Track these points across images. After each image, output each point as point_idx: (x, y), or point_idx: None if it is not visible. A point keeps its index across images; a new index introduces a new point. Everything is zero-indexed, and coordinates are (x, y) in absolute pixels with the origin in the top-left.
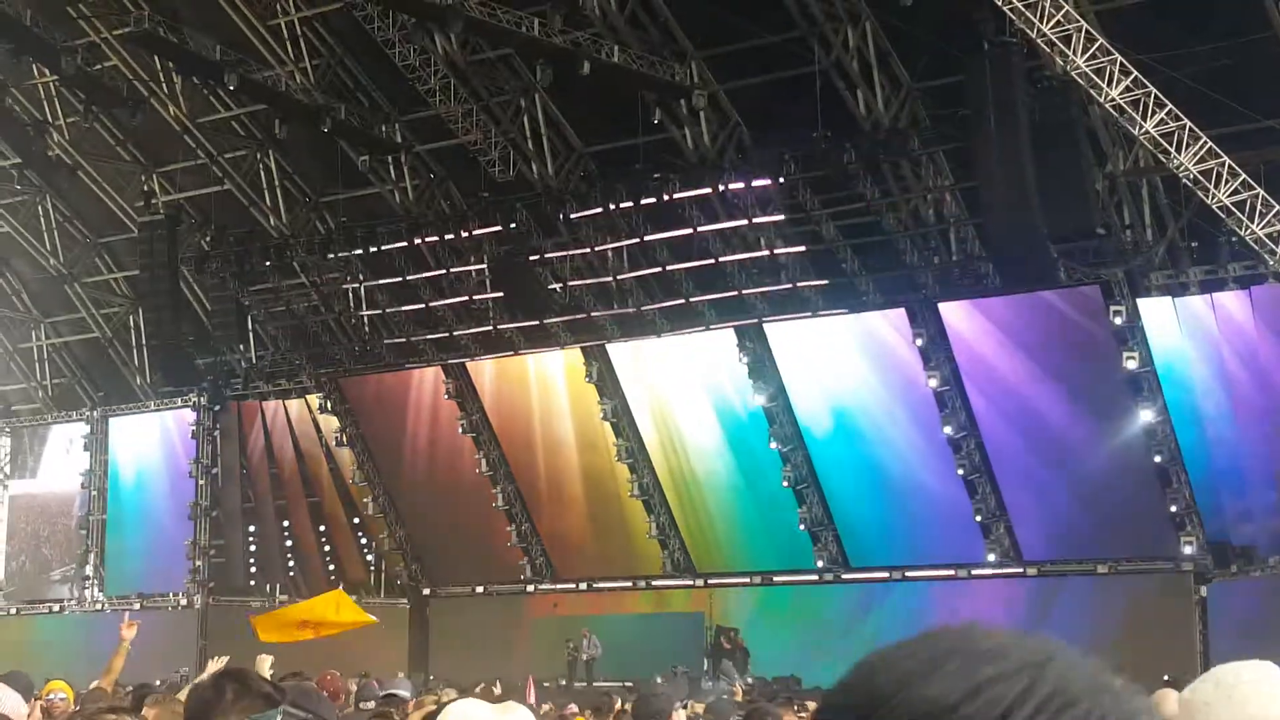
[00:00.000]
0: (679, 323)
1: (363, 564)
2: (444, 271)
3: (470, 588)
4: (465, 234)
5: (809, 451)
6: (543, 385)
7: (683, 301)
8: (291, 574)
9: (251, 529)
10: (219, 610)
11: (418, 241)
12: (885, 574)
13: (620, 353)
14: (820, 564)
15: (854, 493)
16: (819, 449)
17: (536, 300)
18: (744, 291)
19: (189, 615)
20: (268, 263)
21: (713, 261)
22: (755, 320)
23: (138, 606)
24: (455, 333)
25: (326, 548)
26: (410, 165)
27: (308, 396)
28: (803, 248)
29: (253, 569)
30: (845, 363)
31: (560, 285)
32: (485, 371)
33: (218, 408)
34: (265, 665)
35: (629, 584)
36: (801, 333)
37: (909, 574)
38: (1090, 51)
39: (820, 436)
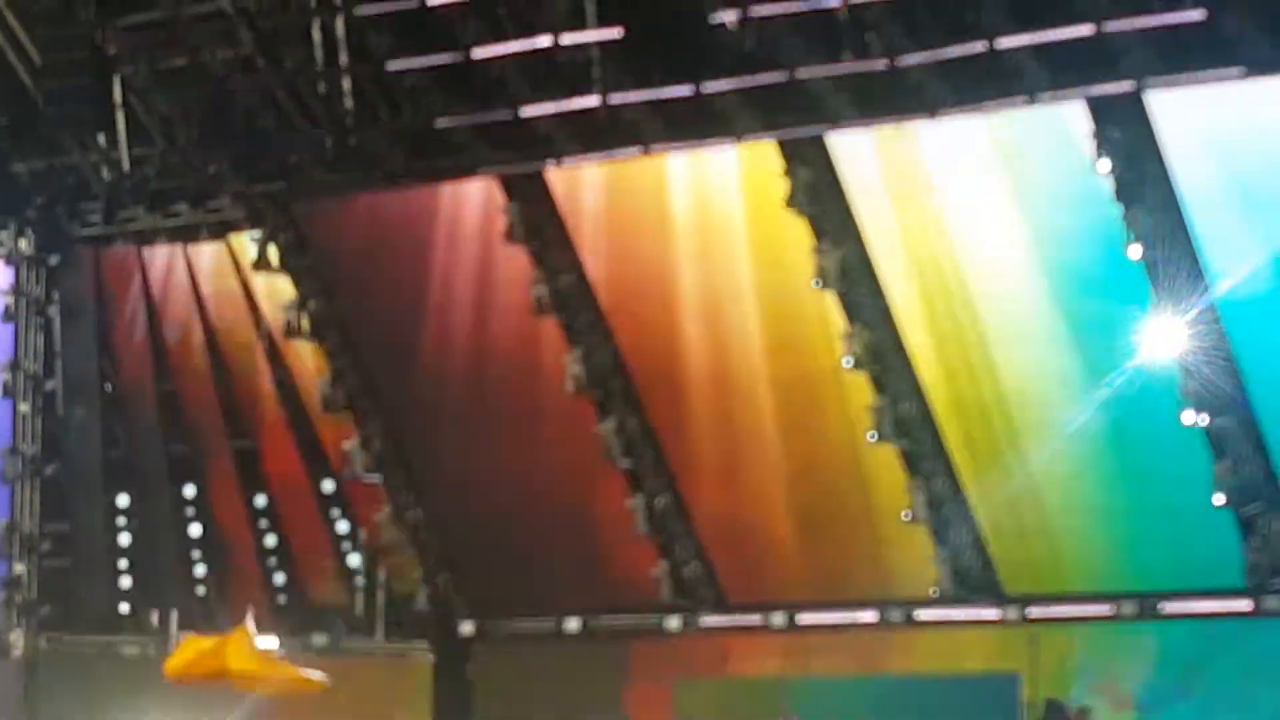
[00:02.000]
0: (973, 87)
1: (340, 573)
2: None
3: (553, 621)
4: None
5: (1231, 337)
6: (700, 216)
7: (983, 49)
8: (202, 592)
9: (123, 500)
10: (61, 659)
11: None
12: None
13: (855, 149)
14: (1254, 579)
15: None
16: (1255, 335)
17: (688, 43)
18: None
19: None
20: None
21: None
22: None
23: None
24: (525, 112)
25: (269, 539)
26: None
27: (231, 237)
28: None
29: (124, 581)
30: None
31: (736, 15)
32: (585, 188)
33: (57, 258)
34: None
35: (872, 617)
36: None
37: None
38: None
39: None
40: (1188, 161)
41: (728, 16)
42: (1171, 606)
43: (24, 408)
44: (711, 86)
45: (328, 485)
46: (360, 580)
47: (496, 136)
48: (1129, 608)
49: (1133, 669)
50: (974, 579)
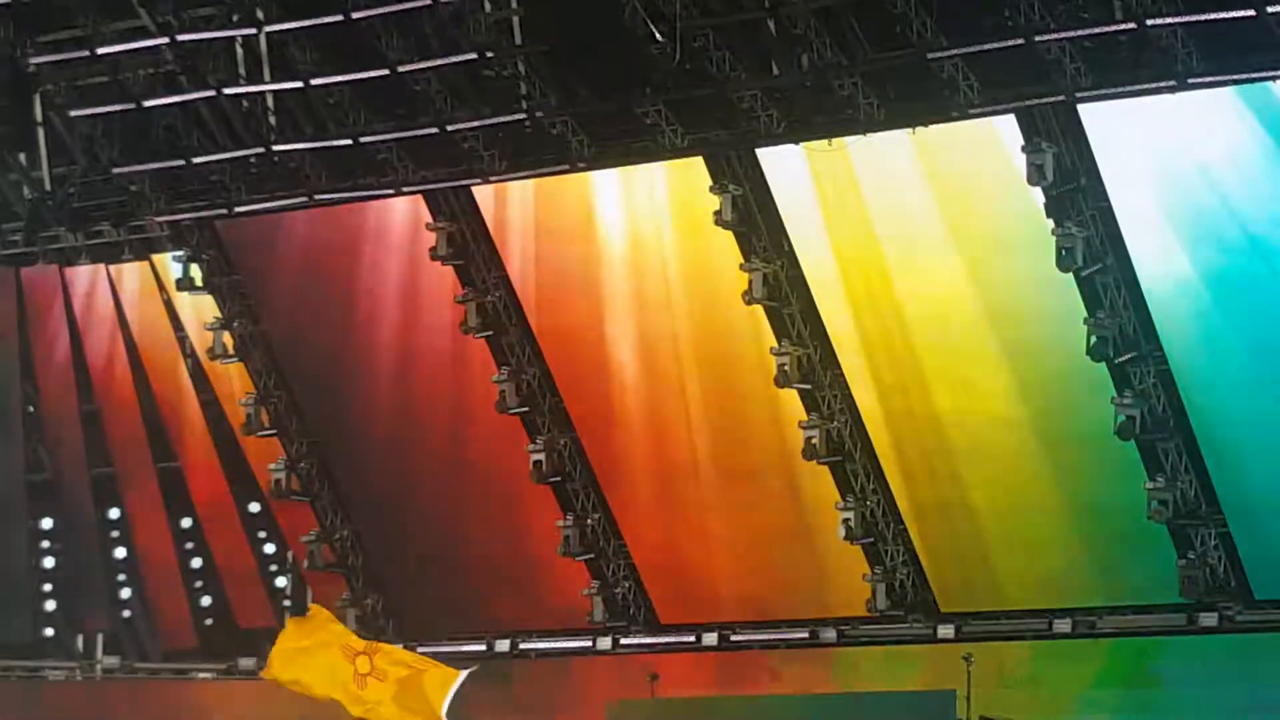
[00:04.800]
0: (905, 101)
1: (268, 596)
2: (429, 1)
3: (484, 642)
4: None
5: (1168, 354)
6: (631, 232)
7: (914, 62)
8: (127, 614)
9: (46, 523)
10: None
11: None
12: None
13: (785, 164)
14: (1192, 594)
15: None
16: (1189, 346)
17: (616, 59)
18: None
19: None
20: None
21: None
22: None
23: None
24: (452, 126)
25: (195, 561)
26: None
27: (155, 256)
28: None
29: (49, 606)
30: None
31: (664, 31)
32: (513, 206)
33: None
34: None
35: (802, 635)
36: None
37: None
38: None
39: (1186, 314)
40: (1121, 174)
41: (656, 32)
42: (1107, 623)
43: None
44: (639, 102)
45: (254, 506)
46: (286, 601)
47: (422, 153)
48: (1064, 625)
49: (1068, 686)
50: (908, 597)
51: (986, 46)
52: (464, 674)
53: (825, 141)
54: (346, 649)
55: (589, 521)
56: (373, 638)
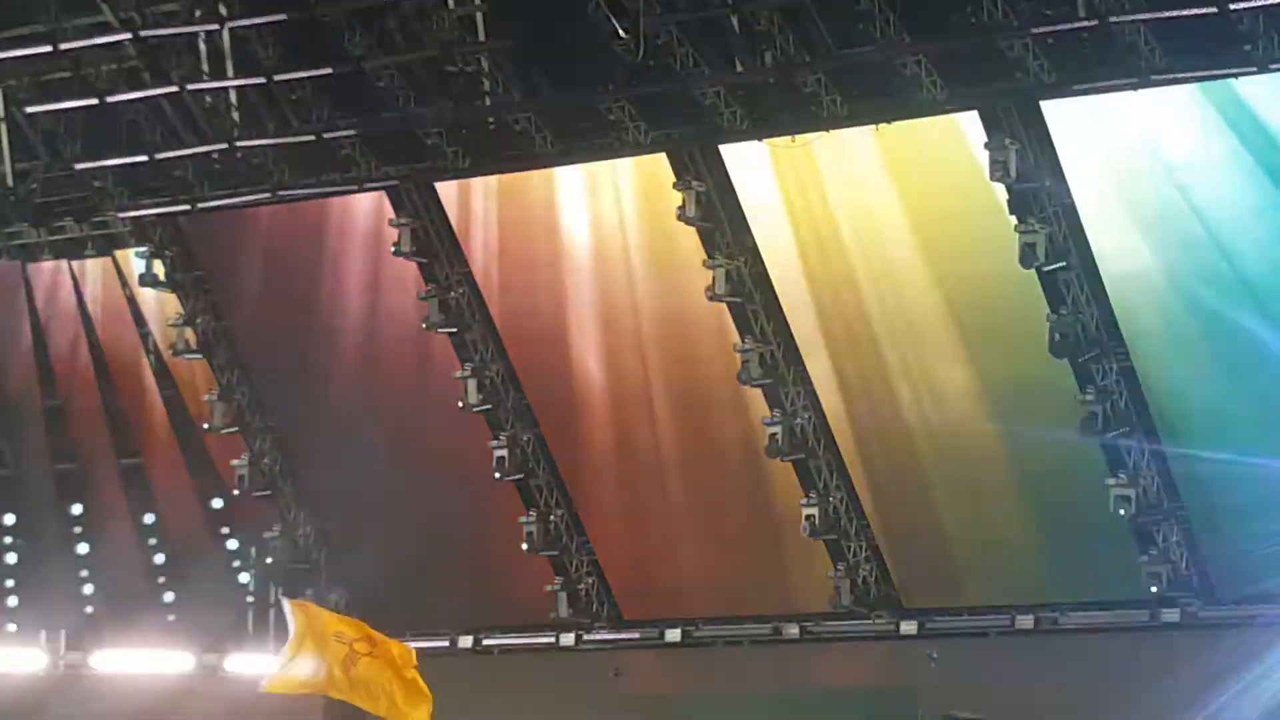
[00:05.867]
0: (868, 98)
1: (232, 592)
2: None
3: (448, 638)
4: None
5: (1131, 350)
6: (595, 229)
7: (878, 60)
8: (89, 610)
9: (8, 519)
10: None
11: None
12: None
13: (749, 161)
14: (1157, 588)
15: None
16: (1151, 343)
17: (580, 54)
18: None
19: None
20: None
21: None
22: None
23: None
24: (415, 122)
25: (158, 557)
26: None
27: (118, 252)
28: None
29: (10, 601)
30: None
31: (628, 27)
32: (477, 202)
33: None
34: None
35: (766, 630)
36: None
37: None
38: None
39: (1149, 311)
40: (1083, 171)
41: (619, 28)
42: (1070, 619)
43: None
44: (603, 98)
45: (217, 502)
46: (249, 597)
47: (386, 149)
48: (1027, 621)
49: (1032, 682)
50: (872, 593)
51: (950, 43)
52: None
53: (789, 138)
54: (340, 636)
55: (552, 518)
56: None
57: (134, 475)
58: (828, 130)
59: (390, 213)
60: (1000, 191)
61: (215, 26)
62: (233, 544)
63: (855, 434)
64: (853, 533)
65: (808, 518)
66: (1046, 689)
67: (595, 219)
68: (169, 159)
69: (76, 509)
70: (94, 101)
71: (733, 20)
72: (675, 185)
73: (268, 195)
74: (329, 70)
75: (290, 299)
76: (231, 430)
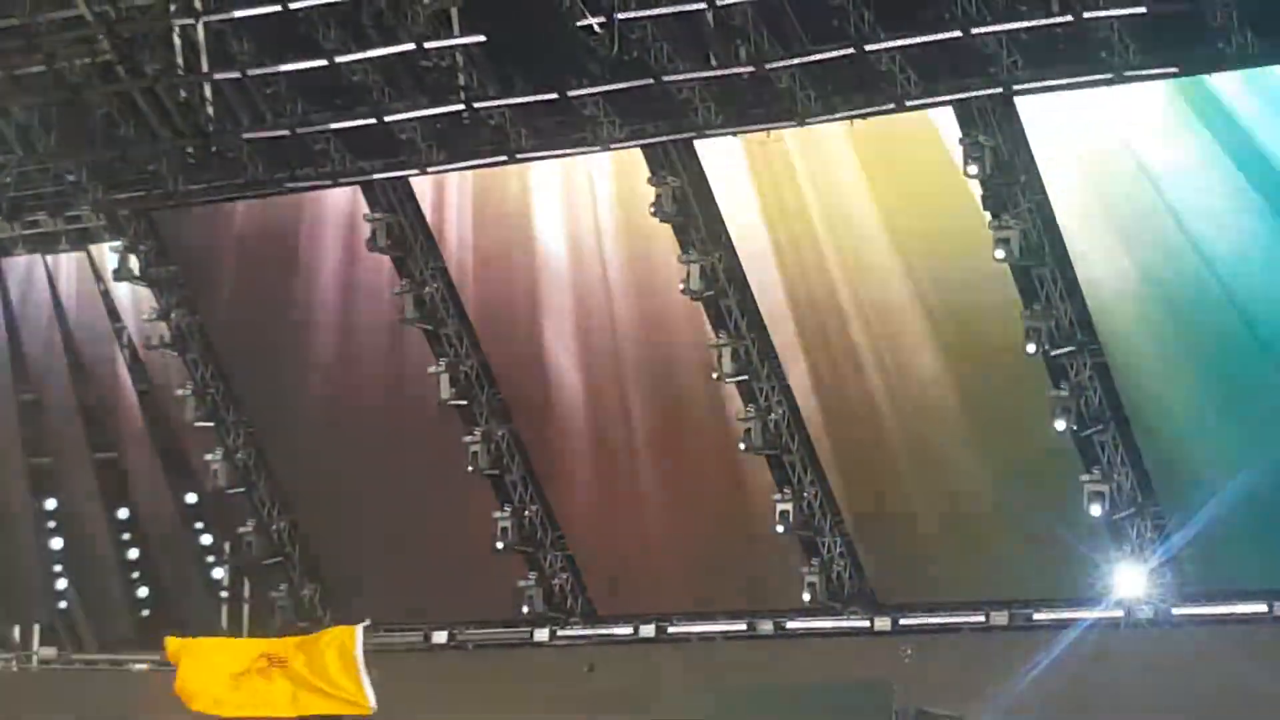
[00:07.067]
0: (843, 93)
1: (205, 587)
2: None
3: (421, 633)
4: None
5: (1105, 347)
6: (570, 224)
7: (851, 54)
8: (64, 605)
9: None
10: None
11: None
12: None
13: (722, 155)
14: (1128, 585)
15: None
16: (1125, 339)
17: (555, 49)
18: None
19: None
20: None
21: None
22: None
23: None
24: (390, 117)
25: (132, 552)
26: None
27: (92, 247)
28: None
29: None
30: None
31: (602, 21)
32: (451, 197)
33: None
34: None
35: (740, 627)
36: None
37: None
38: None
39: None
40: (1058, 167)
41: (596, 22)
42: (1043, 615)
43: None
44: (578, 93)
45: (191, 497)
46: (223, 592)
47: (360, 144)
48: (1001, 617)
49: (1004, 677)
50: (846, 589)
51: (924, 39)
52: (360, 627)
53: (764, 133)
54: (248, 658)
55: (526, 513)
56: (305, 629)
57: (108, 470)
58: (802, 125)
59: (365, 207)
60: (975, 187)
61: (190, 21)
62: (206, 539)
63: (829, 430)
64: (827, 529)
65: (782, 514)
66: (1020, 685)
67: (570, 214)
68: (143, 153)
69: (51, 504)
70: (68, 96)
71: (708, 15)
72: (650, 180)
73: (242, 190)
74: (303, 65)
75: (265, 294)
76: (206, 425)
